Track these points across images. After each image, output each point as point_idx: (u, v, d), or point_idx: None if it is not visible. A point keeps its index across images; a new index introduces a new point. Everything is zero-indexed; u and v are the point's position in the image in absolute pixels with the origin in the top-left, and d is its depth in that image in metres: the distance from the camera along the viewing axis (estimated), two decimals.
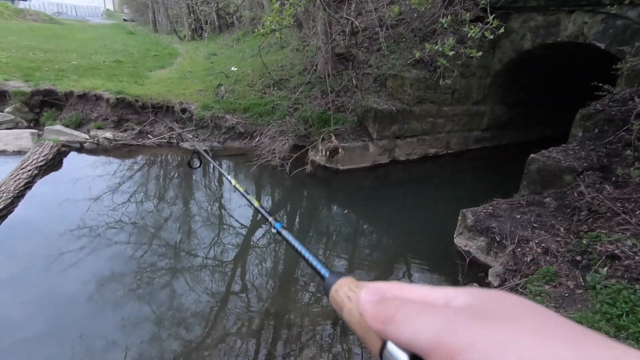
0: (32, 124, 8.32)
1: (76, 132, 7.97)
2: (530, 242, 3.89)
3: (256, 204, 0.90)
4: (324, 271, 0.48)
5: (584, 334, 0.24)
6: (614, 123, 4.94)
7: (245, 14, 15.84)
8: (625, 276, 3.15)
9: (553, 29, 7.21)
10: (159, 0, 23.82)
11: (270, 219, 0.75)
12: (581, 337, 0.24)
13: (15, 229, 4.68)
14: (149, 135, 8.39)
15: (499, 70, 8.49)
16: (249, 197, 0.96)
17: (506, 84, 9.15)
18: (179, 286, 3.93)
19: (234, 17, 17.57)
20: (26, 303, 3.54)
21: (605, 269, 3.27)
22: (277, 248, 4.87)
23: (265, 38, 8.47)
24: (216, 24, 19.41)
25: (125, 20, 36.94)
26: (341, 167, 7.33)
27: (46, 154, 6.45)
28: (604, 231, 3.67)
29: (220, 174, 7.66)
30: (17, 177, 5.54)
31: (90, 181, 6.28)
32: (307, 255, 0.55)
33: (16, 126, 8.01)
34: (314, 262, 0.52)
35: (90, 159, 7.45)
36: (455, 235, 4.74)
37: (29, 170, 5.82)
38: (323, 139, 7.25)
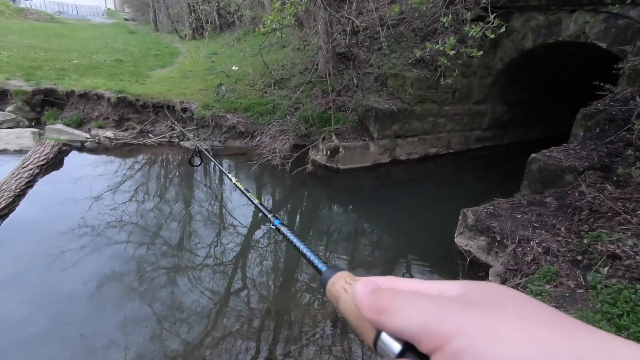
0: (33, 123, 8.33)
1: (77, 131, 7.98)
2: (531, 242, 3.88)
3: (256, 200, 0.91)
4: (321, 265, 0.49)
5: (566, 320, 0.25)
6: (615, 123, 4.93)
7: (246, 13, 15.84)
8: (626, 276, 3.14)
9: (554, 29, 7.20)
10: None
11: (270, 215, 0.76)
12: (563, 323, 0.25)
13: (16, 228, 4.69)
14: (150, 135, 8.40)
15: (500, 69, 8.48)
16: (249, 194, 0.97)
17: (507, 84, 9.13)
18: (179, 285, 3.93)
19: (235, 16, 17.57)
20: (27, 302, 3.55)
21: (606, 268, 3.26)
22: (277, 247, 4.87)
23: (266, 37, 8.48)
24: (217, 23, 19.40)
25: (126, 19, 36.94)
26: (342, 167, 7.33)
27: (47, 153, 6.46)
28: (604, 231, 3.66)
29: (221, 173, 7.66)
30: (19, 176, 5.56)
31: (91, 180, 6.29)
32: (304, 250, 0.56)
33: (17, 125, 8.02)
34: (312, 257, 0.52)
35: (91, 158, 7.46)
36: (456, 235, 4.73)
37: (30, 169, 5.83)
38: (324, 138, 7.25)
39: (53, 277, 3.92)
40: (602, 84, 5.36)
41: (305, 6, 7.72)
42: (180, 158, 7.87)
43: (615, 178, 4.31)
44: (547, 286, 3.27)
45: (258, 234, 5.32)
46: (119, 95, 8.50)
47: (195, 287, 3.92)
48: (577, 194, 4.32)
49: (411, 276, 4.63)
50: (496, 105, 9.48)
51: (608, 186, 4.22)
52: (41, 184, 5.87)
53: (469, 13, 6.11)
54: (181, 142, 8.27)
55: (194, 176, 7.20)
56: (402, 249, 5.32)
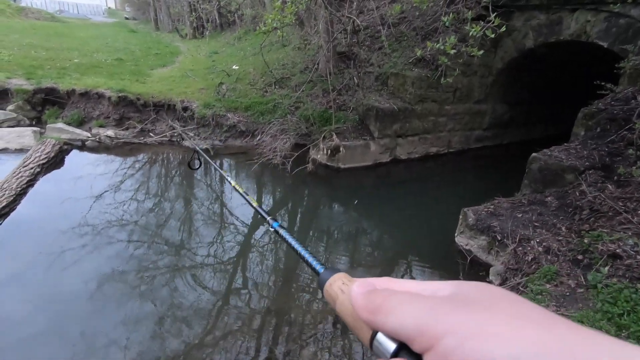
0: (34, 122, 8.34)
1: (78, 130, 7.99)
2: (532, 241, 3.88)
3: (255, 204, 0.92)
4: (319, 267, 0.49)
5: (554, 319, 0.26)
6: (616, 122, 4.92)
7: (246, 12, 15.82)
8: (627, 275, 3.14)
9: (556, 28, 7.18)
10: None
11: (268, 218, 0.77)
12: (550, 321, 0.26)
13: (17, 227, 4.70)
14: (151, 134, 8.40)
15: (500, 68, 8.47)
16: (248, 197, 0.97)
17: (508, 83, 9.12)
18: (180, 284, 3.94)
19: (236, 15, 17.54)
20: (28, 301, 3.56)
21: (606, 268, 3.26)
22: (277, 246, 4.88)
23: (267, 36, 8.48)
24: (218, 22, 19.39)
25: (126, 18, 36.91)
26: (342, 166, 7.33)
27: (48, 152, 6.47)
28: (605, 230, 3.66)
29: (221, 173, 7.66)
30: (20, 174, 5.56)
31: (92, 179, 6.29)
32: (302, 252, 0.56)
33: (18, 124, 8.03)
34: (310, 259, 0.53)
35: (92, 157, 7.47)
36: (456, 234, 4.73)
37: (31, 168, 5.84)
38: (324, 137, 7.25)
39: (54, 276, 3.93)
40: (603, 83, 5.35)
41: (306, 5, 7.72)
42: (181, 157, 7.87)
43: (616, 177, 4.31)
44: (548, 285, 3.27)
45: (258, 233, 5.32)
46: (120, 94, 8.50)
47: (195, 286, 3.93)
48: (577, 194, 4.32)
49: (411, 275, 4.64)
50: (497, 105, 9.47)
51: (609, 185, 4.21)
52: (42, 183, 5.88)
53: (469, 12, 6.10)
54: (182, 142, 8.27)
55: (195, 175, 7.21)
56: (402, 248, 5.32)
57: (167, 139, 8.32)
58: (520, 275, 3.60)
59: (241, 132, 8.40)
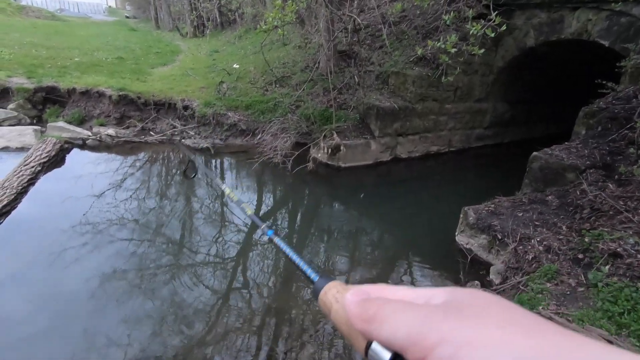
0: (34, 121, 8.35)
1: (79, 129, 7.99)
2: (532, 240, 3.88)
3: (249, 212, 0.90)
4: (313, 275, 0.49)
5: (545, 326, 0.26)
6: (617, 121, 4.91)
7: (247, 11, 15.80)
8: (627, 274, 3.14)
9: (557, 26, 7.17)
10: None
11: (263, 226, 0.75)
12: (542, 329, 0.26)
13: (18, 226, 4.71)
14: (151, 133, 8.40)
15: (501, 67, 8.45)
16: (242, 205, 0.95)
17: (509, 82, 9.11)
18: (180, 283, 3.94)
19: (236, 14, 17.52)
20: (29, 299, 3.57)
21: (607, 267, 3.26)
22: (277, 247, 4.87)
23: (268, 35, 8.47)
24: (218, 20, 19.37)
25: (127, 17, 36.88)
26: (343, 165, 7.32)
27: (49, 151, 6.47)
28: (606, 229, 3.66)
29: (222, 168, 7.68)
30: (20, 173, 5.57)
31: (92, 178, 6.30)
32: (297, 260, 0.56)
33: (19, 123, 8.04)
34: (304, 267, 0.53)
35: (93, 155, 7.47)
36: (457, 233, 4.73)
37: (32, 167, 5.85)
38: (325, 136, 7.24)
39: (54, 274, 3.94)
40: (604, 82, 5.34)
41: (307, 4, 7.71)
42: (181, 156, 7.87)
43: (617, 176, 4.30)
44: (548, 284, 3.27)
45: (259, 232, 5.31)
46: (120, 93, 8.50)
47: (196, 285, 3.93)
48: (578, 193, 4.31)
49: (412, 274, 4.64)
50: (497, 104, 9.45)
51: (610, 184, 4.21)
52: (43, 182, 5.88)
53: (470, 11, 6.09)
54: (182, 140, 8.27)
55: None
56: (403, 247, 5.32)
57: (168, 138, 8.31)
58: (520, 274, 3.60)
59: (242, 131, 8.39)
